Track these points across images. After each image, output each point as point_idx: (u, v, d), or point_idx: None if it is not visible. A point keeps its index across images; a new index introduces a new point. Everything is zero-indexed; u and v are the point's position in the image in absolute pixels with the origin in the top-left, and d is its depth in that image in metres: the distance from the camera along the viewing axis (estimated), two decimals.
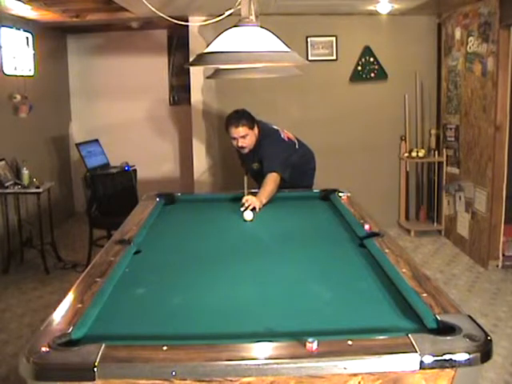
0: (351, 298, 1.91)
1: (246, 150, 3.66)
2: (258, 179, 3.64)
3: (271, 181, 3.40)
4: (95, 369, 1.38)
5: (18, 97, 4.96)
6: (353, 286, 2.03)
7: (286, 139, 3.78)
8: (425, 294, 1.79)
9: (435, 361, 1.41)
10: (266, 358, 1.44)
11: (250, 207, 3.08)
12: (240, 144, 3.60)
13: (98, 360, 1.39)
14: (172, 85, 6.57)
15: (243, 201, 3.11)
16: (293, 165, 3.68)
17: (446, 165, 5.47)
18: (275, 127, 3.83)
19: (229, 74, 3.23)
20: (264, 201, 3.23)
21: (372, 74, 5.60)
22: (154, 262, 2.35)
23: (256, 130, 3.64)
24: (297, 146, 3.86)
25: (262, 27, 2.26)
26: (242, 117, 3.58)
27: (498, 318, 3.67)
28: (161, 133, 6.60)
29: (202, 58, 2.17)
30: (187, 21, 4.97)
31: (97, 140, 5.49)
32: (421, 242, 5.44)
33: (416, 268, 2.08)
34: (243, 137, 3.57)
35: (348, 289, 2.00)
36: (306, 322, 1.69)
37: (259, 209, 3.14)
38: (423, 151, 5.59)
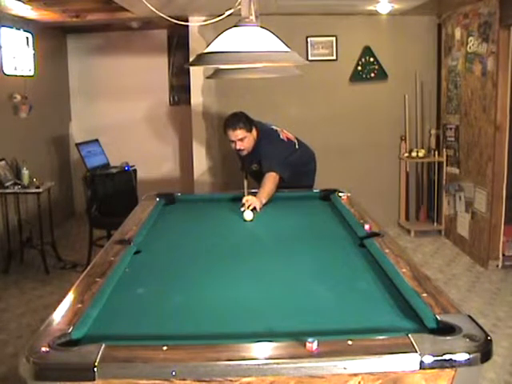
0: (351, 297, 1.91)
1: (245, 153, 3.67)
2: (258, 179, 3.64)
3: (270, 181, 3.40)
4: (95, 369, 1.38)
5: (18, 97, 4.96)
6: (353, 285, 2.02)
7: (285, 139, 3.79)
8: (425, 294, 1.79)
9: (435, 361, 1.41)
10: (266, 358, 1.43)
11: (251, 207, 3.08)
12: (238, 147, 3.61)
13: (98, 360, 1.39)
14: (172, 85, 6.56)
15: (243, 201, 3.12)
16: (292, 165, 3.68)
17: (446, 165, 5.47)
18: (274, 127, 3.83)
19: (229, 74, 3.23)
20: (264, 201, 3.24)
21: (372, 74, 5.60)
22: (154, 262, 2.35)
23: (254, 132, 3.64)
24: (296, 146, 3.86)
25: (262, 27, 2.26)
26: (239, 120, 3.58)
27: (498, 318, 3.67)
28: (161, 133, 6.60)
29: (201, 58, 2.17)
30: (187, 21, 4.97)
31: (97, 140, 5.49)
32: (421, 242, 5.44)
33: (416, 268, 2.08)
34: (241, 139, 3.58)
35: (348, 289, 2.00)
36: (306, 321, 1.69)
37: (260, 209, 3.14)
38: (423, 151, 5.59)
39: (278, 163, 3.52)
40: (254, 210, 3.08)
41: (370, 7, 5.03)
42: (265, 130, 3.75)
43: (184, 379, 1.40)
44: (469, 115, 4.94)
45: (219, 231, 2.87)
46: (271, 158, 3.54)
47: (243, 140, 3.58)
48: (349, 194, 3.42)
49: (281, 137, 3.76)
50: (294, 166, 3.71)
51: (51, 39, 6.07)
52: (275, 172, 3.46)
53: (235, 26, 2.23)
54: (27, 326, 3.67)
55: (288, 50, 2.20)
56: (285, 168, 3.56)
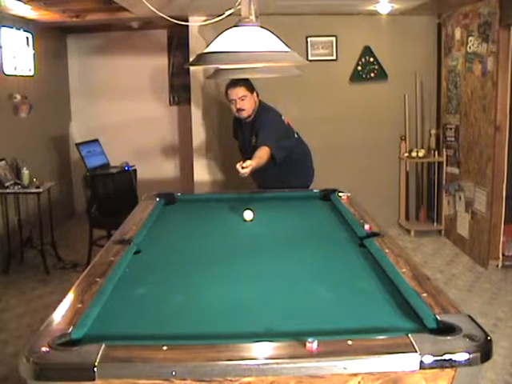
0: (351, 297, 1.91)
1: (245, 115, 3.65)
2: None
3: (261, 152, 3.36)
4: (95, 369, 1.38)
5: (18, 97, 4.96)
6: (353, 285, 2.02)
7: (286, 123, 3.78)
8: (425, 294, 1.79)
9: (435, 361, 1.41)
10: (265, 358, 1.43)
11: (246, 166, 3.04)
12: (239, 106, 3.59)
13: (98, 360, 1.39)
14: (172, 85, 6.57)
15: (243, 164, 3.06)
16: (287, 151, 3.65)
17: (446, 165, 5.47)
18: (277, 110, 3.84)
19: (229, 74, 3.23)
20: (254, 165, 3.17)
21: (372, 74, 5.60)
22: (154, 262, 2.35)
23: (255, 96, 3.64)
24: (295, 135, 3.86)
25: (262, 27, 2.26)
26: (240, 80, 3.59)
27: (498, 318, 3.67)
28: (161, 133, 6.60)
29: (201, 58, 2.17)
30: (187, 21, 4.97)
31: (97, 140, 5.49)
32: (421, 242, 5.44)
33: (416, 268, 2.08)
34: (242, 99, 3.57)
35: (348, 289, 1.99)
36: (306, 321, 1.69)
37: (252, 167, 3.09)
38: (423, 151, 5.59)
39: (274, 139, 3.48)
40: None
41: (370, 7, 5.03)
42: (268, 105, 3.76)
43: (184, 379, 1.40)
44: (469, 115, 4.94)
45: (219, 231, 2.87)
46: (268, 131, 3.50)
47: (244, 99, 3.57)
48: (349, 194, 3.42)
49: (283, 118, 3.76)
50: (289, 155, 3.67)
51: (51, 39, 6.07)
52: (268, 147, 3.42)
53: (235, 26, 2.23)
54: (27, 325, 3.67)
55: (288, 49, 2.20)
56: (280, 148, 3.52)
